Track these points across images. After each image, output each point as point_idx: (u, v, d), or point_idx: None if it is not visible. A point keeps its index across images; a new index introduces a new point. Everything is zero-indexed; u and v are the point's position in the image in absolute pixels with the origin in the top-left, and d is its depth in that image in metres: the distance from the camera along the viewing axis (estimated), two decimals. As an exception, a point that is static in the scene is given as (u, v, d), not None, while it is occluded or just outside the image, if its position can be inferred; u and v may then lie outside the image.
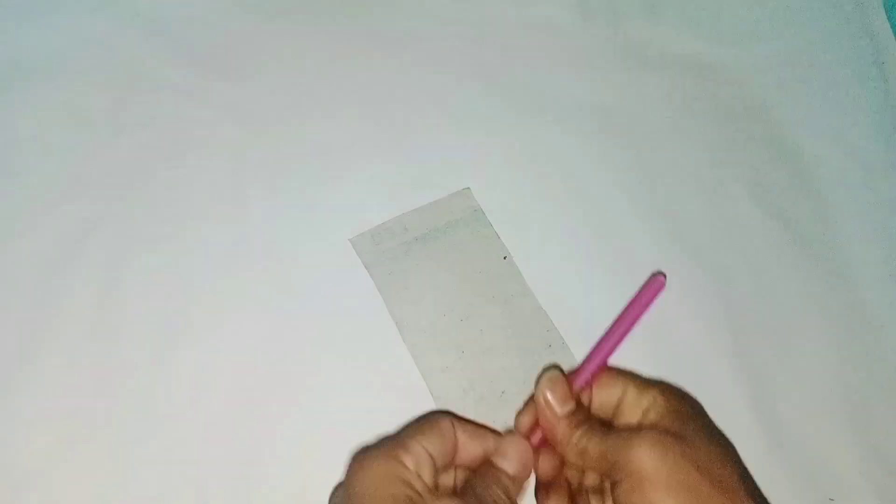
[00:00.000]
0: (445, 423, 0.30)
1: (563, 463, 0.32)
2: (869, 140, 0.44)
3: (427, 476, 0.28)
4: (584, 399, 0.33)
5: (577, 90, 0.45)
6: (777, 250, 0.41)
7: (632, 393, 0.31)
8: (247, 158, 0.42)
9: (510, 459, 0.30)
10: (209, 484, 0.35)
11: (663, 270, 0.33)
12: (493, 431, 0.33)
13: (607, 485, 0.31)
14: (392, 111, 0.44)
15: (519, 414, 0.33)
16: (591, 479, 0.32)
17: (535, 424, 0.32)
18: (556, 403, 0.31)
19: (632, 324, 0.33)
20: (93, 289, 0.39)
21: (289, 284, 0.39)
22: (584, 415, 0.31)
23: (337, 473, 0.30)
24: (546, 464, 0.32)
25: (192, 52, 0.45)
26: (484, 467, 0.30)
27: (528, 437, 0.32)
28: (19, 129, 0.42)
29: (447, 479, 0.31)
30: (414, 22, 0.46)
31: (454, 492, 0.31)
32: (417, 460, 0.28)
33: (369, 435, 0.33)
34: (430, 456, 0.29)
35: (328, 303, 0.38)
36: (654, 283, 0.33)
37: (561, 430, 0.31)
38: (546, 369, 0.33)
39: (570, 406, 0.31)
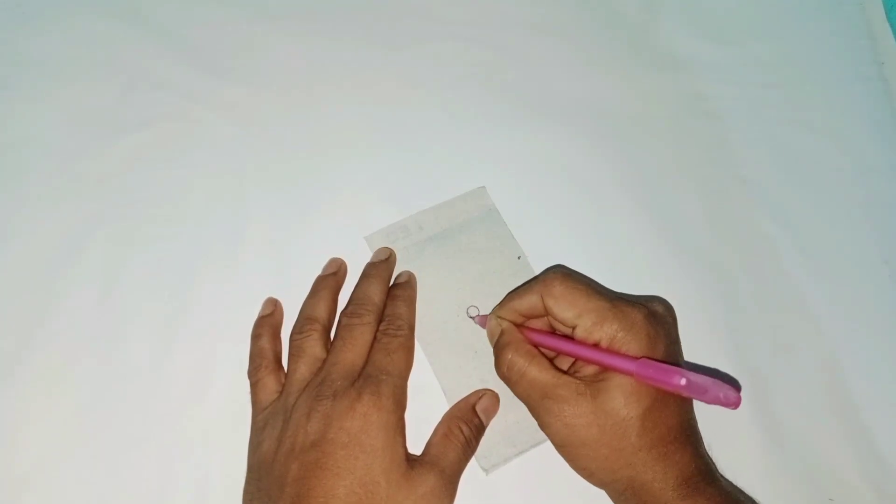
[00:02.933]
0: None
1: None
2: (869, 140, 0.44)
3: None
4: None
5: (577, 90, 0.45)
6: (777, 249, 0.41)
7: (587, 320, 0.32)
8: (248, 158, 0.42)
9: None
10: (209, 484, 0.35)
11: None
12: None
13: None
14: (404, 110, 0.44)
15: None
16: None
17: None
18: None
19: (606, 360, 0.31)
20: (93, 289, 0.39)
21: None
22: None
23: (337, 473, 0.30)
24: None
25: (192, 52, 0.45)
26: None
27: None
28: (19, 129, 0.42)
29: None
30: (418, 22, 0.46)
31: None
32: None
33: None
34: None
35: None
36: (673, 377, 0.29)
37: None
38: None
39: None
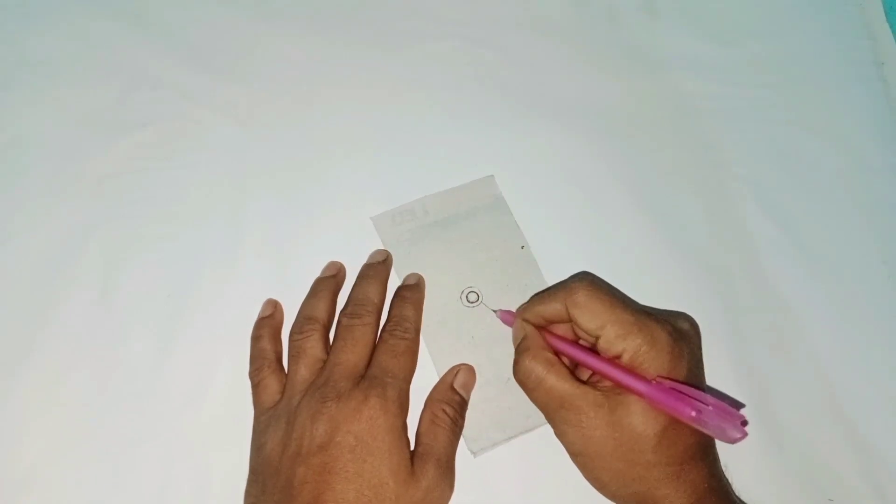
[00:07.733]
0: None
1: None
2: (869, 140, 0.44)
3: None
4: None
5: (576, 90, 0.45)
6: (777, 250, 0.41)
7: (611, 332, 0.31)
8: (248, 158, 0.42)
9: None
10: (209, 484, 0.35)
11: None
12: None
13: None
14: (405, 109, 0.44)
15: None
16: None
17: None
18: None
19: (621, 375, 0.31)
20: (93, 289, 0.39)
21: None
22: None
23: (337, 473, 0.30)
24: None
25: (192, 52, 0.45)
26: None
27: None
28: (19, 128, 0.42)
29: None
30: (418, 22, 0.46)
31: None
32: None
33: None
34: None
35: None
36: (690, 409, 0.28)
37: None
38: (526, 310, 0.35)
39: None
